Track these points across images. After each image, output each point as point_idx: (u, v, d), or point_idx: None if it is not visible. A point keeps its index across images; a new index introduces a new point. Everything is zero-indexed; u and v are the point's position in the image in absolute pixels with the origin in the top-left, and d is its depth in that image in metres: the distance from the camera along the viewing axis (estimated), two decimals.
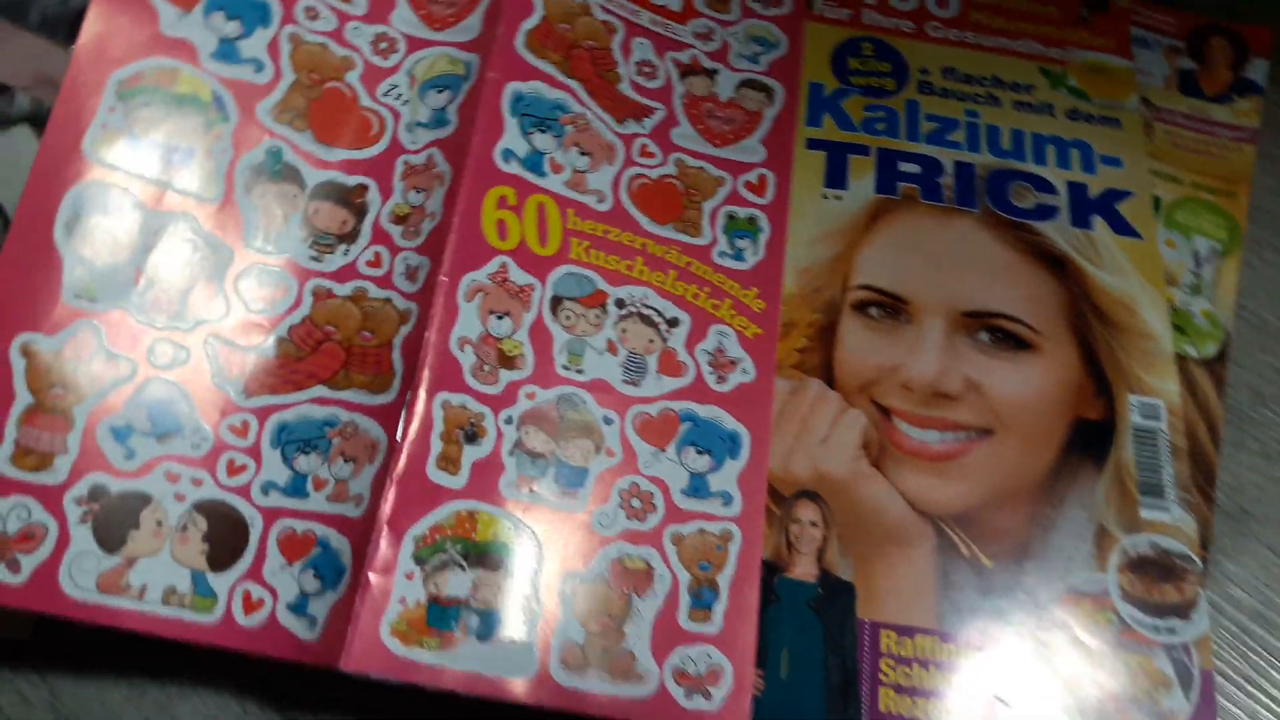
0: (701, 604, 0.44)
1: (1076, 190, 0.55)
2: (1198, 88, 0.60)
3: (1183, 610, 0.45)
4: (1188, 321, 0.54)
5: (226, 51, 0.48)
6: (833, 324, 0.52)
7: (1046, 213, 0.54)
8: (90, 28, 0.45)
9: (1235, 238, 0.57)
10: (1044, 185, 0.55)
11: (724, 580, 0.44)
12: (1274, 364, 0.55)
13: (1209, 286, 0.56)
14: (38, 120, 0.52)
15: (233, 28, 0.48)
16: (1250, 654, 0.48)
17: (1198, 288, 0.55)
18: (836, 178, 0.55)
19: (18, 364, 0.42)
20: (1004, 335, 0.51)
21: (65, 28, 0.51)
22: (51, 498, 0.41)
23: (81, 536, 0.41)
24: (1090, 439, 0.49)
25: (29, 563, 0.40)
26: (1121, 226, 0.54)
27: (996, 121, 0.57)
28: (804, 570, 0.46)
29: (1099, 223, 0.54)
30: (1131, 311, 0.52)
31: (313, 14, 0.49)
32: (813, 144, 0.56)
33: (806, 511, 0.47)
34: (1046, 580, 0.46)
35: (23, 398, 0.42)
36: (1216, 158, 0.59)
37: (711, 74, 0.55)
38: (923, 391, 0.50)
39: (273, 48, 0.49)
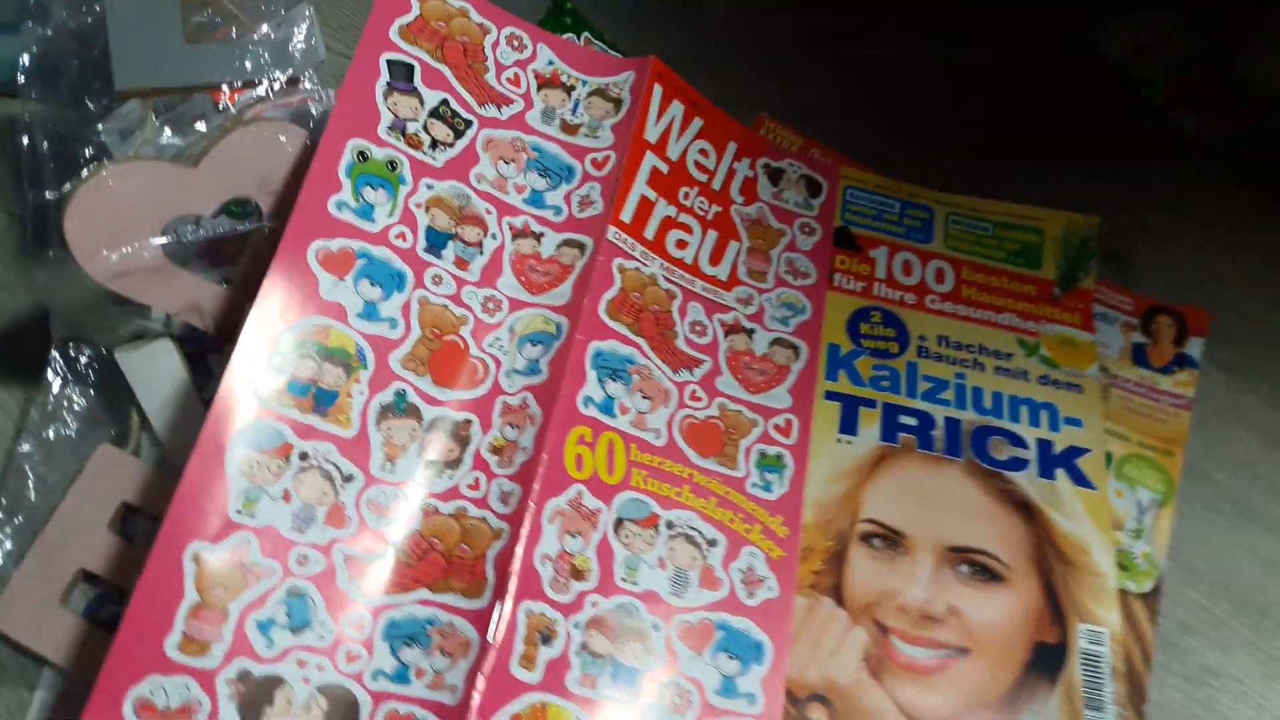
0: None
1: (1044, 446, 0.62)
2: (1147, 360, 0.67)
3: None
4: (1130, 561, 0.60)
5: (369, 312, 0.55)
6: (843, 551, 0.58)
7: (1018, 465, 0.61)
8: (267, 289, 0.52)
9: (1171, 491, 0.63)
10: (1017, 440, 0.62)
11: None
12: (1199, 601, 0.61)
13: (1148, 532, 0.61)
14: (175, 335, 0.59)
15: (375, 293, 0.55)
16: None
17: (1139, 533, 0.61)
18: (849, 425, 0.62)
19: (189, 569, 0.48)
20: (981, 568, 0.57)
21: (196, 250, 0.58)
22: (207, 679, 0.46)
23: (228, 712, 0.46)
24: (1046, 660, 0.55)
25: None
26: (1080, 479, 0.61)
27: (980, 384, 0.64)
28: None
29: (1061, 475, 0.61)
30: (1085, 553, 0.58)
31: (437, 280, 0.57)
32: (830, 395, 0.62)
33: (816, 713, 0.53)
34: None
35: (190, 596, 0.47)
36: (1159, 421, 0.65)
37: (750, 333, 0.62)
38: (915, 614, 0.56)
39: (405, 309, 0.55)
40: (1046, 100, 0.81)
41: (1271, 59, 0.79)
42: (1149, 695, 0.57)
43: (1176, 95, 0.80)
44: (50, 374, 0.59)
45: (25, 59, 0.58)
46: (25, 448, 0.58)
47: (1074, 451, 0.62)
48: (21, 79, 0.58)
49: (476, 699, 0.48)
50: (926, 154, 0.75)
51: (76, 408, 0.59)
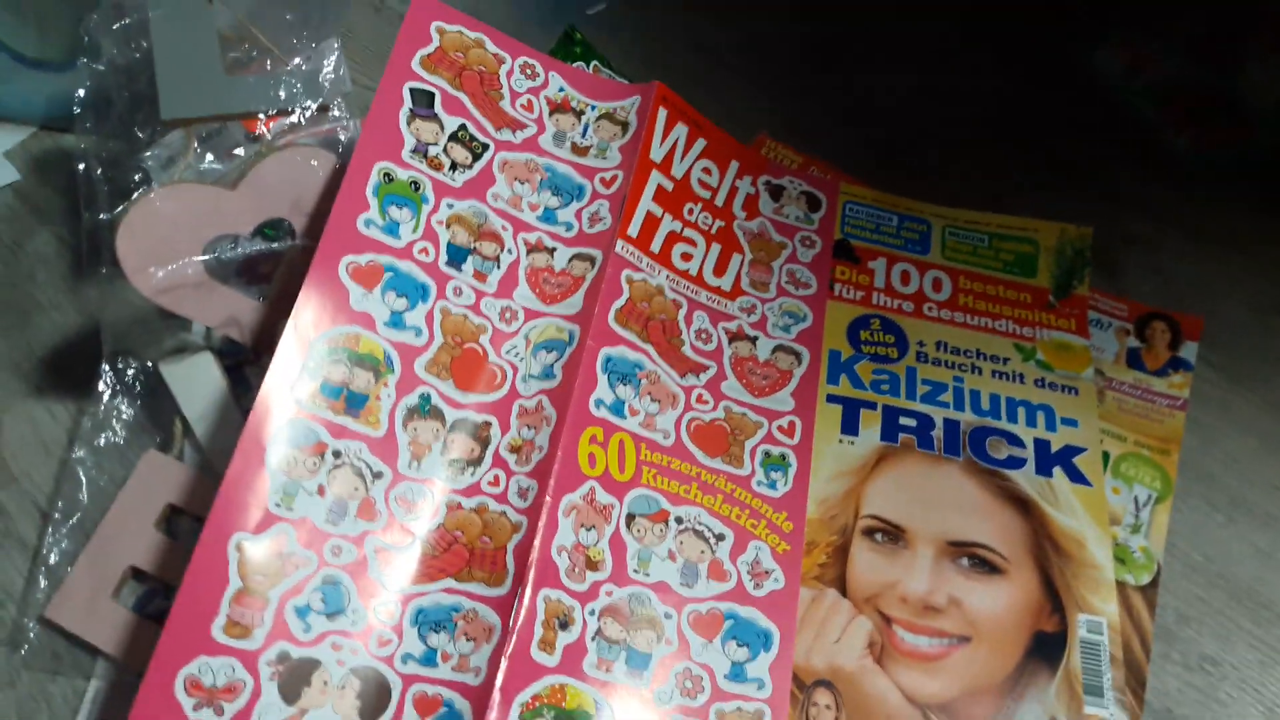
0: None
1: (1041, 445, 0.63)
2: (1141, 363, 0.69)
3: None
4: (1127, 555, 0.62)
5: (396, 321, 0.57)
6: (846, 545, 0.59)
7: (1016, 463, 0.62)
8: (303, 300, 0.55)
9: (1168, 488, 0.64)
10: (1015, 440, 0.63)
11: None
12: (1196, 592, 0.62)
13: (1145, 527, 0.63)
14: (214, 348, 0.62)
15: (401, 303, 0.58)
16: None
17: (1137, 528, 0.63)
18: (850, 426, 0.64)
19: (233, 557, 0.51)
20: (981, 561, 0.59)
21: (234, 267, 0.61)
22: (249, 660, 0.49)
23: (269, 691, 0.49)
24: (1046, 647, 0.57)
25: (230, 709, 0.49)
26: (1076, 476, 0.62)
27: (978, 387, 0.65)
28: None
29: (1058, 472, 0.62)
30: (1082, 546, 0.60)
31: (458, 292, 0.60)
32: (831, 398, 0.64)
33: (823, 697, 0.55)
34: None
35: (234, 582, 0.50)
36: (1154, 421, 0.67)
37: (753, 340, 0.65)
38: (916, 604, 0.58)
39: (429, 318, 0.58)
40: (1041, 117, 0.84)
41: (1263, 78, 0.81)
42: (1149, 682, 0.58)
43: (1170, 113, 0.82)
44: (101, 386, 0.62)
45: (80, 93, 0.62)
46: (78, 454, 0.61)
47: (1070, 450, 0.64)
48: (77, 111, 0.62)
49: (500, 680, 0.51)
50: (921, 170, 0.78)
51: (125, 416, 0.62)
